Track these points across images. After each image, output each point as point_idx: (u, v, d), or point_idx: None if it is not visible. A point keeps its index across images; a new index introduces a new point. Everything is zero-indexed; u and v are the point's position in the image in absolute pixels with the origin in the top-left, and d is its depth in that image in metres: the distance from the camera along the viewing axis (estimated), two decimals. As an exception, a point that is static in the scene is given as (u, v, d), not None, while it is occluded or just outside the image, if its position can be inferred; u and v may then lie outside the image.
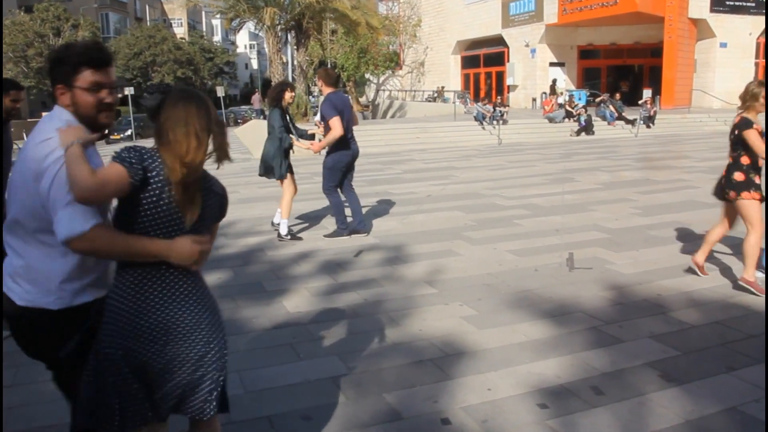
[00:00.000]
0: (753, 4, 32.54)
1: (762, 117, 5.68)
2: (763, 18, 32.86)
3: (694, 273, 6.03)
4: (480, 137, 21.98)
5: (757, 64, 33.93)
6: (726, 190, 5.66)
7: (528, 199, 10.27)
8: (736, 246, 6.79)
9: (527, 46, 35.97)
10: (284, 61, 29.20)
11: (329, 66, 49.64)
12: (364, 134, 21.67)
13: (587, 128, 22.89)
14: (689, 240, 7.55)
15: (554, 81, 34.17)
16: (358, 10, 27.05)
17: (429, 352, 4.50)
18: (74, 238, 2.20)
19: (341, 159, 7.79)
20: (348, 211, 8.02)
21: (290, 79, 28.53)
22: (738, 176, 5.54)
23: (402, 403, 3.79)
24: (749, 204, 5.48)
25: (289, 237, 7.84)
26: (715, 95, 31.12)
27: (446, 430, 3.52)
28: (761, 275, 5.69)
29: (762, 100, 5.45)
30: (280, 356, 4.50)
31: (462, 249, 7.28)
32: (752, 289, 5.50)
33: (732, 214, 5.80)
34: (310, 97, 46.00)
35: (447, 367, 4.25)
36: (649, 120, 24.33)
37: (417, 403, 3.80)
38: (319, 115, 8.02)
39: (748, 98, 5.53)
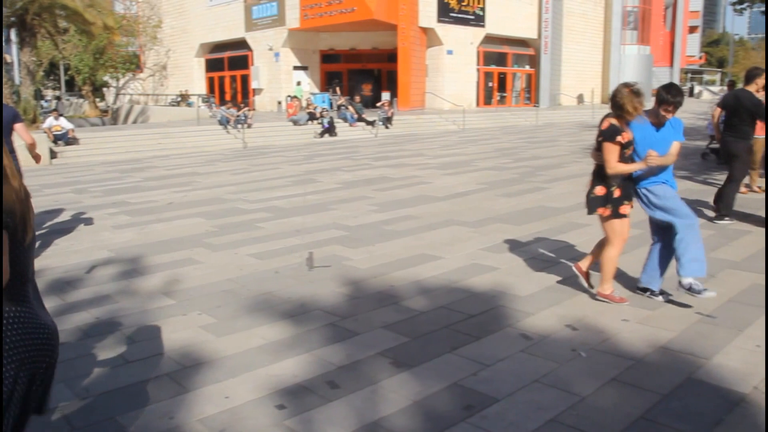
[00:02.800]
0: (473, 17, 35.94)
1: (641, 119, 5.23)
2: (481, 29, 36.36)
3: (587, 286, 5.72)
4: (225, 141, 21.69)
5: (478, 70, 37.45)
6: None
7: (271, 202, 10.32)
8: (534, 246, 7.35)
9: (271, 49, 36.19)
10: (9, 61, 26.42)
11: (62, 67, 45.95)
12: (102, 141, 20.42)
13: (330, 130, 23.59)
14: (419, 232, 8.07)
15: (298, 83, 34.72)
16: (93, 9, 25.32)
17: (165, 367, 4.30)
18: None
19: None
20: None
21: (17, 81, 25.92)
22: (598, 190, 5.16)
23: (135, 423, 3.57)
24: (607, 220, 5.21)
25: None
26: (444, 98, 33.79)
27: (179, 445, 3.38)
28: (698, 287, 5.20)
29: (630, 109, 4.87)
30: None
31: (202, 256, 7.09)
32: (610, 302, 5.34)
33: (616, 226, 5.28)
34: (42, 101, 42.21)
35: (184, 380, 4.09)
36: (387, 121, 25.72)
37: (152, 421, 3.60)
38: None
39: (617, 106, 4.96)
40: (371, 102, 30.76)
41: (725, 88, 17.40)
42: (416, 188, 11.61)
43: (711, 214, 8.80)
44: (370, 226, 8.45)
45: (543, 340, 4.62)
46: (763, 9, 17.88)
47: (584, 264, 5.58)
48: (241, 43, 38.57)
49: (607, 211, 5.18)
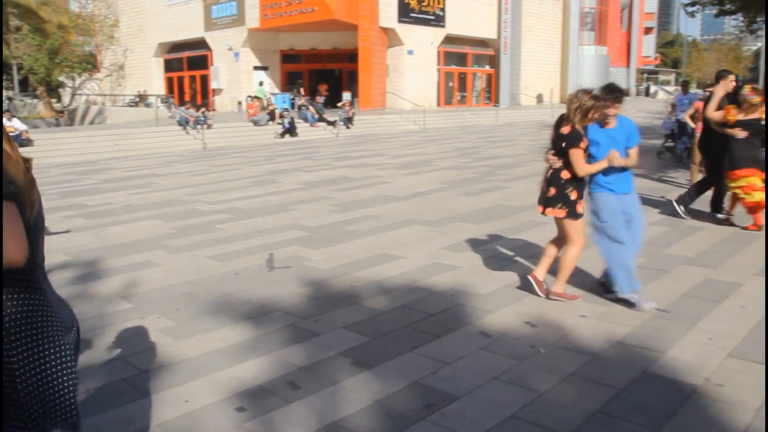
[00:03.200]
0: (433, 17, 36.14)
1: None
2: (441, 29, 36.57)
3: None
4: (184, 142, 21.44)
5: (439, 70, 37.65)
6: (539, 203, 5.46)
7: (231, 203, 10.23)
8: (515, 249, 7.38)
9: (231, 49, 35.87)
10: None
11: (15, 67, 44.82)
12: (57, 143, 20.05)
13: (291, 130, 23.49)
14: (380, 232, 8.09)
15: (261, 83, 34.47)
16: (47, 6, 24.79)
17: (123, 372, 4.24)
18: None
19: None
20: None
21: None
22: (552, 191, 5.29)
23: (93, 430, 3.51)
24: (565, 221, 5.29)
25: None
26: (405, 98, 33.89)
27: (137, 450, 3.34)
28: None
29: (591, 115, 5.07)
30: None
31: (161, 259, 7.01)
32: (563, 299, 5.43)
33: (557, 224, 5.48)
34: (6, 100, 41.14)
35: (142, 385, 4.04)
36: (348, 121, 25.70)
37: (110, 427, 3.55)
38: None
39: (577, 111, 5.08)
40: (331, 102, 30.74)
41: (679, 88, 17.76)
42: (377, 188, 11.63)
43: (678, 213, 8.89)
44: (330, 227, 8.44)
45: (502, 338, 4.66)
46: (715, 12, 18.31)
47: (540, 273, 5.59)
48: (201, 43, 38.15)
49: (563, 213, 5.26)
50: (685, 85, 16.02)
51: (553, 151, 5.30)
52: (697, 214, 8.82)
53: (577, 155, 5.11)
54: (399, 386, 3.93)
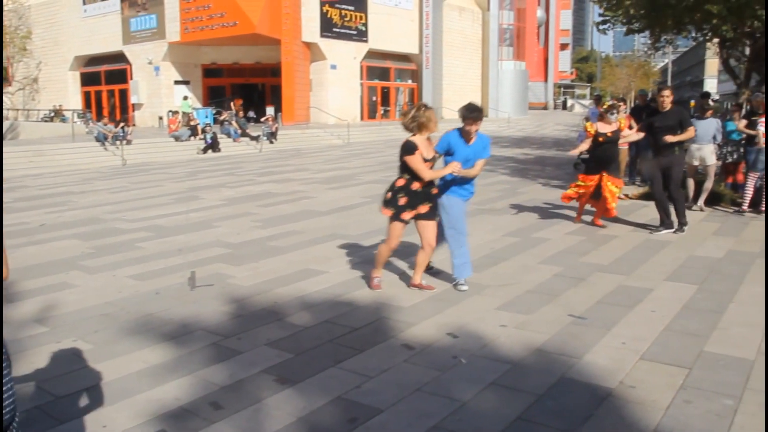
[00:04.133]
0: (355, 32, 36.41)
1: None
2: (364, 44, 36.87)
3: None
4: (102, 159, 20.86)
5: (362, 85, 37.92)
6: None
7: (152, 221, 10.01)
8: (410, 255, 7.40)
9: (151, 63, 35.18)
10: None
11: None
12: (-37, 160, 19.14)
13: (213, 146, 23.17)
14: (304, 247, 8.08)
15: (185, 97, 33.85)
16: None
17: (36, 399, 4.08)
18: None
19: None
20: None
21: None
22: (387, 195, 5.95)
23: (0, 460, 3.38)
24: (389, 221, 5.99)
25: None
26: (329, 112, 33.95)
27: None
28: None
29: (432, 125, 5.87)
30: None
31: (78, 280, 6.79)
32: (422, 290, 6.11)
33: (421, 229, 6.07)
34: None
35: (57, 412, 3.90)
36: (272, 136, 25.54)
37: (20, 456, 3.41)
38: None
39: (413, 124, 5.86)
40: (253, 117, 30.47)
41: (593, 101, 18.42)
42: (301, 203, 11.61)
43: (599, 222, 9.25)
44: (254, 243, 8.37)
45: (425, 350, 4.73)
46: (624, 30, 19.10)
47: (416, 278, 6.21)
48: (119, 57, 37.28)
49: (390, 212, 5.93)
50: (598, 99, 16.63)
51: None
52: (615, 219, 9.22)
53: (414, 161, 5.76)
54: (322, 402, 3.94)
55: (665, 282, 6.41)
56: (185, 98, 33.14)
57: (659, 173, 8.77)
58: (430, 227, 6.02)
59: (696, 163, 10.49)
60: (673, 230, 8.63)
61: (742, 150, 11.02)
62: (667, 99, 8.61)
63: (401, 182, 5.90)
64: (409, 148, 5.80)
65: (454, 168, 5.85)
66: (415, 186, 5.87)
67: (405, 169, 5.89)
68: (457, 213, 6.18)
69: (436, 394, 4.01)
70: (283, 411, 3.83)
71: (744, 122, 10.75)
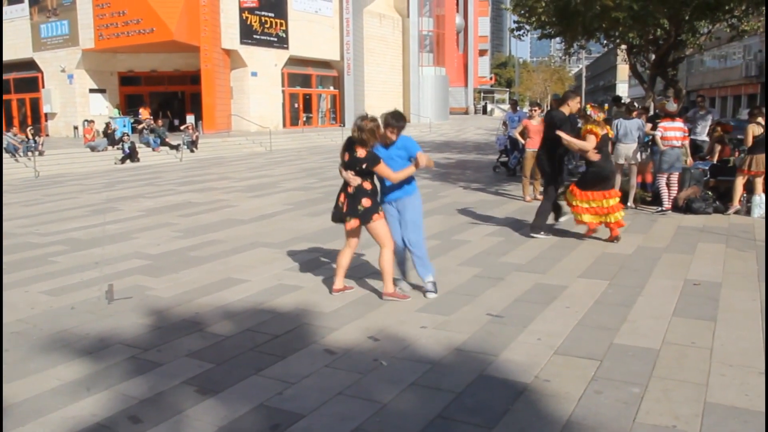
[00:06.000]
0: (276, 39, 36.21)
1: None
2: (284, 51, 36.71)
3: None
4: (13, 171, 20.03)
5: (284, 92, 37.75)
6: (348, 217, 5.91)
7: (66, 234, 9.71)
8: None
9: (64, 71, 34.00)
10: None
11: None
12: None
13: (132, 155, 22.62)
14: (225, 256, 8.01)
15: (117, 105, 32.87)
16: None
17: (-58, 421, 3.93)
18: None
19: None
20: None
21: None
22: (366, 202, 5.82)
23: None
24: (377, 225, 5.89)
25: None
26: (251, 120, 33.65)
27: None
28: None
29: (381, 133, 5.81)
30: None
31: (-13, 297, 6.53)
32: (397, 299, 6.01)
33: (354, 234, 6.08)
34: None
35: (-35, 433, 3.76)
36: (192, 144, 25.13)
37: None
38: None
39: (366, 134, 5.70)
40: (174, 126, 29.84)
41: (510, 106, 18.88)
42: (222, 212, 11.48)
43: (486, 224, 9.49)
44: (173, 253, 8.24)
45: (346, 354, 4.77)
46: (538, 36, 19.68)
47: (339, 282, 6.26)
48: (30, 64, 35.85)
49: (381, 216, 5.95)
50: (514, 104, 17.08)
51: (352, 171, 5.85)
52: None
53: (382, 169, 5.80)
54: (244, 410, 3.93)
55: (579, 279, 6.66)
56: (117, 107, 32.07)
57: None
58: (380, 228, 5.95)
59: (622, 161, 10.93)
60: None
61: (649, 151, 11.53)
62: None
63: (369, 186, 5.88)
64: (375, 159, 5.79)
65: (422, 160, 5.90)
66: (367, 186, 5.89)
67: (363, 174, 5.85)
68: (418, 211, 6.22)
69: (358, 397, 4.06)
70: (204, 421, 3.81)
71: (650, 126, 11.26)
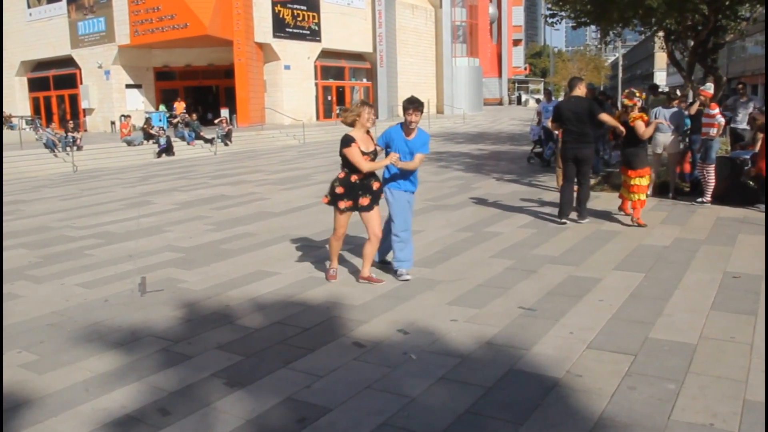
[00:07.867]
0: (308, 32, 36.23)
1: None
2: (317, 44, 36.74)
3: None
4: (52, 166, 20.41)
5: (317, 85, 37.79)
6: (363, 193, 6.21)
7: (102, 227, 9.84)
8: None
9: (101, 67, 34.54)
10: None
11: None
12: None
13: (168, 149, 22.87)
14: (255, 249, 8.03)
15: (171, 103, 33.27)
16: None
17: (-22, 413, 3.99)
18: None
19: None
20: None
21: None
22: (339, 190, 6.15)
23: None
24: (375, 214, 6.22)
25: None
26: (284, 113, 33.76)
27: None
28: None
29: (366, 116, 6.08)
30: None
31: (24, 290, 6.63)
32: (372, 282, 6.28)
33: (365, 221, 6.33)
34: None
35: (-1, 424, 3.82)
36: (226, 138, 25.31)
37: (-40, 472, 3.34)
38: None
39: (351, 116, 6.11)
40: (208, 120, 30.09)
41: (544, 96, 18.62)
42: (254, 205, 11.53)
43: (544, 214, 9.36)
44: (206, 246, 8.29)
45: (375, 347, 4.74)
46: (573, 24, 19.34)
47: (365, 271, 6.38)
48: (68, 61, 36.49)
49: (327, 199, 6.30)
50: (548, 94, 16.82)
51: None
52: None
53: (351, 153, 6.00)
54: (272, 403, 3.92)
55: (614, 271, 6.53)
56: (174, 103, 32.27)
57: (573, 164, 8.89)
58: (373, 218, 6.25)
59: (660, 150, 10.67)
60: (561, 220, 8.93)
61: (688, 140, 11.26)
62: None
63: (341, 175, 6.19)
64: (346, 141, 6.03)
65: (392, 159, 6.11)
66: (354, 178, 6.12)
67: (345, 163, 6.14)
68: (401, 205, 6.41)
69: (386, 391, 4.02)
70: (232, 414, 3.80)
71: (695, 107, 10.93)
